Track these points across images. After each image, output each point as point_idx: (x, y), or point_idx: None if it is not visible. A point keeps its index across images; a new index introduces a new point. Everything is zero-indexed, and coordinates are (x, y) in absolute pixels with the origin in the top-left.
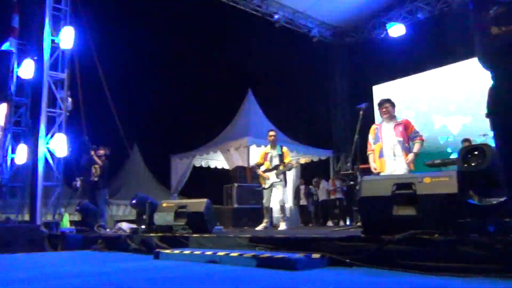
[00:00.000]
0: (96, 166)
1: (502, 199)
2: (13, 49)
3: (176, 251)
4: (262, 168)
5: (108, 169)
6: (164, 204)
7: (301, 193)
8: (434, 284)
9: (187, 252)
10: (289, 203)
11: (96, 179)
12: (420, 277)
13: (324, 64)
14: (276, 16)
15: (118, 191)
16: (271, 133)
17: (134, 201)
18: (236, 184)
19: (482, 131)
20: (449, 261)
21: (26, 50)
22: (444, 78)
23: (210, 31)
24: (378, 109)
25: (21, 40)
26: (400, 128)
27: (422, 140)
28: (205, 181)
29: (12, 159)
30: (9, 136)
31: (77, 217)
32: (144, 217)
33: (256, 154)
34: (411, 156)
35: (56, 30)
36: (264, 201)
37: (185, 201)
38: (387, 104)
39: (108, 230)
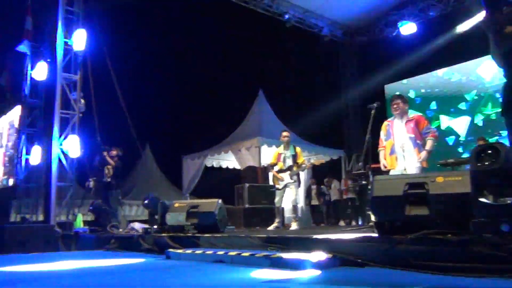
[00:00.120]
0: (109, 166)
1: None
2: (27, 52)
3: (188, 251)
4: (276, 168)
5: (120, 170)
6: (176, 204)
7: (312, 193)
8: (448, 285)
9: (198, 252)
10: (301, 203)
11: (109, 179)
12: (433, 277)
13: (335, 63)
14: (286, 16)
15: (131, 191)
16: (285, 133)
17: (146, 201)
18: (247, 184)
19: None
20: (463, 261)
21: (40, 53)
22: (455, 76)
23: (221, 32)
24: (390, 106)
25: (35, 43)
26: (412, 124)
27: (435, 137)
28: (217, 181)
29: (27, 160)
30: (23, 137)
31: (90, 217)
32: (156, 217)
33: (268, 154)
34: (423, 154)
35: (68, 32)
36: (276, 201)
37: (196, 201)
38: (398, 100)
39: (120, 230)
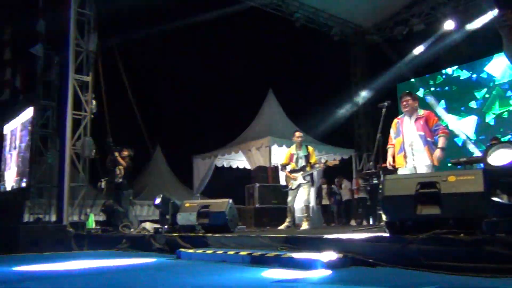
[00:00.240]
0: (120, 167)
1: None
2: (40, 54)
3: (199, 251)
4: (288, 168)
5: (132, 170)
6: (187, 204)
7: (323, 192)
8: (460, 285)
9: (209, 251)
10: (312, 203)
11: (120, 180)
12: (446, 277)
13: (346, 62)
14: (296, 15)
15: (142, 191)
16: (298, 134)
17: (157, 201)
18: (257, 184)
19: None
20: (476, 261)
21: (52, 54)
22: (465, 74)
23: (231, 31)
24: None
25: (47, 45)
26: (421, 121)
27: (446, 133)
28: (227, 181)
29: (40, 161)
30: (36, 138)
31: (102, 217)
32: (167, 217)
33: (278, 153)
34: (438, 152)
35: (80, 34)
36: (289, 200)
37: (207, 201)
38: (408, 97)
39: (132, 230)
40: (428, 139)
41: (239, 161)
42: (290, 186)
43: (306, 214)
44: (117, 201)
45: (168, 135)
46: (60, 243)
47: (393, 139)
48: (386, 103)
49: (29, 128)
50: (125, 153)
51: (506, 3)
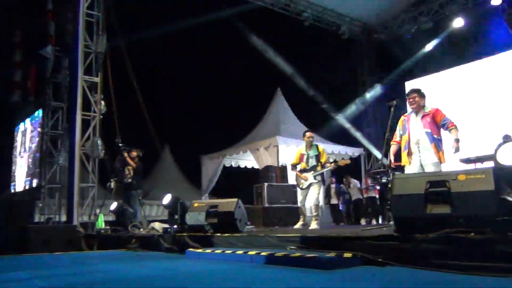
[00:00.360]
0: (129, 167)
1: None
2: (50, 56)
3: (208, 251)
4: (298, 168)
5: (141, 170)
6: (196, 204)
7: (331, 191)
8: (471, 284)
9: (218, 251)
10: (321, 202)
11: (129, 180)
12: (456, 276)
13: (354, 61)
14: (304, 14)
15: (151, 191)
16: (309, 134)
17: (166, 201)
18: (266, 184)
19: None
20: (486, 261)
21: (62, 56)
22: (475, 73)
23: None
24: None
25: (57, 46)
26: (428, 118)
27: (455, 126)
28: (236, 181)
29: (50, 162)
30: (46, 139)
31: (112, 217)
32: (176, 217)
33: (286, 153)
34: (455, 144)
35: (89, 35)
36: (300, 200)
37: (216, 201)
38: (415, 94)
39: (141, 230)
40: (435, 136)
41: (247, 160)
42: (300, 186)
43: (315, 214)
44: (126, 201)
45: (177, 135)
46: (70, 243)
47: (398, 136)
48: (394, 101)
49: (39, 129)
50: (134, 153)
51: None
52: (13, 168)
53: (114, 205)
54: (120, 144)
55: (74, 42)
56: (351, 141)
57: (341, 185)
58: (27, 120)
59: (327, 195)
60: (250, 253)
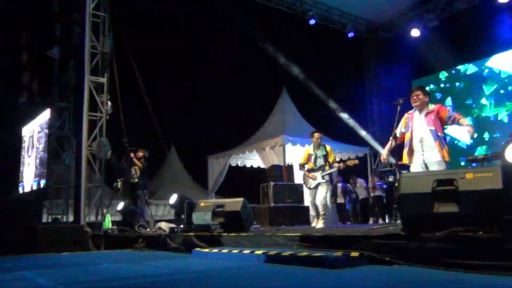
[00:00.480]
0: (136, 167)
1: None
2: (57, 56)
3: (214, 250)
4: (306, 168)
5: (147, 170)
6: (202, 204)
7: (338, 191)
8: (479, 283)
9: (225, 251)
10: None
11: (136, 180)
12: (464, 275)
13: (360, 60)
14: (310, 13)
15: (157, 191)
16: (317, 134)
17: (172, 201)
18: (272, 183)
19: None
20: (494, 260)
21: (68, 57)
22: (482, 71)
23: (244, 31)
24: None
25: (63, 47)
26: (432, 116)
27: (462, 115)
28: (242, 180)
29: (57, 162)
30: (53, 140)
31: (118, 217)
32: (183, 216)
33: (292, 152)
34: (470, 128)
35: (95, 36)
36: (310, 200)
37: (222, 200)
38: (418, 92)
39: (148, 229)
40: (439, 134)
41: (253, 160)
42: (308, 185)
43: (323, 212)
44: (133, 201)
45: (183, 135)
46: (77, 243)
47: (398, 133)
48: (401, 100)
49: (46, 130)
50: (140, 154)
51: None
52: (21, 168)
53: (121, 205)
54: (126, 145)
55: (80, 43)
56: (357, 140)
57: (348, 184)
58: (34, 121)
59: (334, 194)
60: (257, 252)
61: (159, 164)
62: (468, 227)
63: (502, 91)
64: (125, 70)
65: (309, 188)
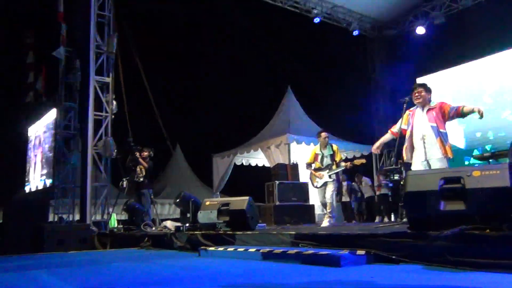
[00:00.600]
0: (141, 166)
1: None
2: (62, 57)
3: (220, 249)
4: (313, 167)
5: (152, 170)
6: (207, 203)
7: (343, 189)
8: (486, 282)
9: (230, 249)
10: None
11: (141, 179)
12: (471, 274)
13: (365, 57)
14: (314, 11)
15: (162, 190)
16: (324, 134)
17: (178, 200)
18: (277, 182)
19: None
20: (502, 258)
21: (73, 57)
22: (488, 68)
23: (249, 30)
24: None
25: (69, 47)
26: (434, 112)
27: (464, 104)
28: (247, 179)
29: (63, 161)
30: (59, 139)
31: (124, 216)
32: (188, 215)
33: (297, 151)
34: (477, 108)
35: (100, 35)
36: (320, 199)
37: (227, 199)
38: (421, 89)
39: (153, 228)
40: (441, 130)
41: (258, 159)
42: (315, 184)
43: (329, 210)
44: (138, 200)
45: (188, 134)
46: (83, 242)
47: (396, 128)
48: (407, 98)
49: (52, 130)
50: (145, 153)
51: None
52: (28, 168)
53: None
54: (132, 144)
55: (85, 43)
56: (363, 139)
57: (353, 183)
58: (40, 121)
59: (339, 193)
60: (262, 250)
61: (164, 163)
62: (476, 225)
63: (506, 89)
64: (129, 70)
65: (316, 187)
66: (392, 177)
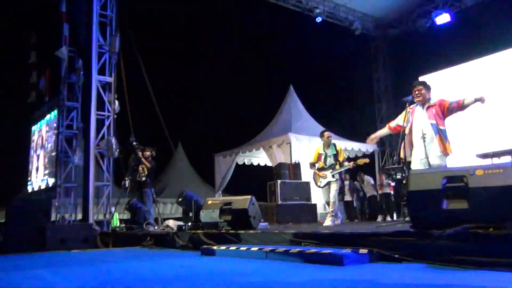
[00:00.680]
0: (143, 166)
1: None
2: (64, 57)
3: (222, 247)
4: (316, 166)
5: (154, 169)
6: (210, 202)
7: (345, 188)
8: (490, 280)
9: (233, 248)
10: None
11: (143, 178)
12: (474, 272)
13: (367, 56)
14: (317, 11)
15: (165, 189)
16: (327, 134)
17: (180, 199)
18: (279, 181)
19: None
20: (506, 257)
21: (75, 57)
22: (491, 67)
23: (251, 29)
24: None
25: (71, 47)
26: (433, 110)
27: (464, 98)
28: (249, 178)
29: (66, 161)
30: (62, 139)
31: (126, 216)
32: (190, 214)
33: (299, 150)
34: (479, 96)
35: (102, 35)
36: (324, 199)
37: (229, 198)
38: (420, 87)
39: (155, 227)
40: (441, 127)
41: (260, 158)
42: (319, 184)
43: (332, 209)
44: (140, 199)
45: (190, 134)
46: (86, 241)
47: (394, 124)
48: (410, 97)
49: (55, 129)
50: (147, 153)
51: None
52: (30, 167)
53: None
54: (134, 143)
55: (88, 42)
56: (365, 138)
57: (355, 182)
58: (43, 121)
59: (341, 192)
60: (264, 249)
61: (166, 162)
62: (479, 224)
63: (511, 87)
64: (131, 69)
65: (320, 187)
66: (394, 176)
